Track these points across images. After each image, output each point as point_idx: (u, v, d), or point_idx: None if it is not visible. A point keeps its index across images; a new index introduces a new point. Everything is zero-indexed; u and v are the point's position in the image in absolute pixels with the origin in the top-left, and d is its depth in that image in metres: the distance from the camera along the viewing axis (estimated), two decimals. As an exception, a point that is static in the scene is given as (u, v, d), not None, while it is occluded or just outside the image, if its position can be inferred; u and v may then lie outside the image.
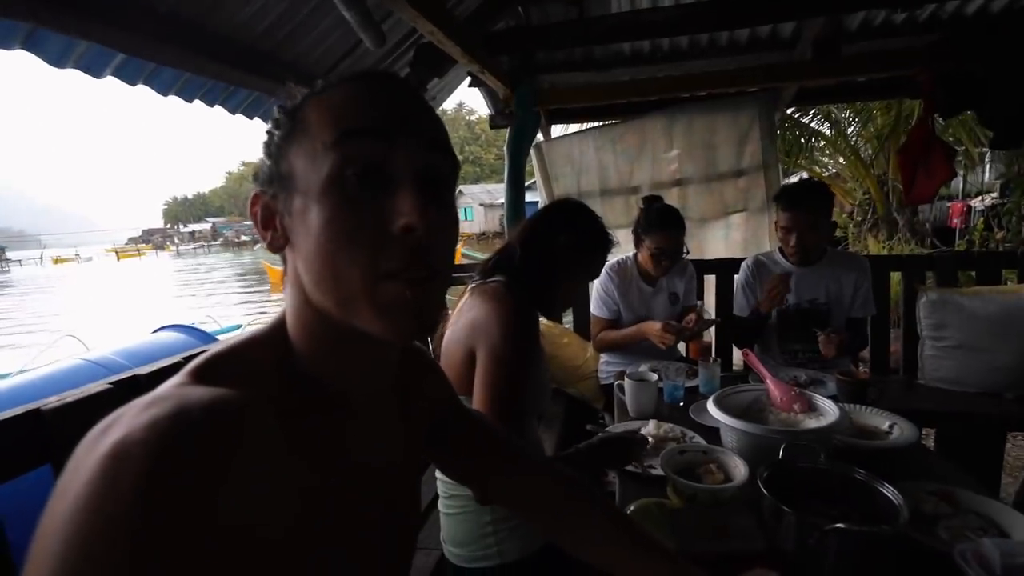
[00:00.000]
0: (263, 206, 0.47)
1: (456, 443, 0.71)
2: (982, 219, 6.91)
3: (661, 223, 1.91)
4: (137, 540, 0.30)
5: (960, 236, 7.43)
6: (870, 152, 6.92)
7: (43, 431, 0.81)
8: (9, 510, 0.78)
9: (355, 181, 0.41)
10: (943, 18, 2.44)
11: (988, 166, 8.85)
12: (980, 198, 8.29)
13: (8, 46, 1.11)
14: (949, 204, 8.99)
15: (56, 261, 47.41)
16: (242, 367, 0.44)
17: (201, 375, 0.41)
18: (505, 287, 1.05)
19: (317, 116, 0.43)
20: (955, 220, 8.38)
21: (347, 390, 0.49)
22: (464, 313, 1.04)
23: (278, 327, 0.49)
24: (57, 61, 1.22)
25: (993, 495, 0.98)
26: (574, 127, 3.81)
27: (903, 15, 2.40)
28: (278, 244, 0.46)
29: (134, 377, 0.96)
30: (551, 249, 1.12)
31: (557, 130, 3.78)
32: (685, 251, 1.99)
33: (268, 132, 0.47)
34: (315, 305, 0.45)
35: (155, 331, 2.56)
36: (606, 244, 1.20)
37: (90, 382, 0.93)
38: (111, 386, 0.91)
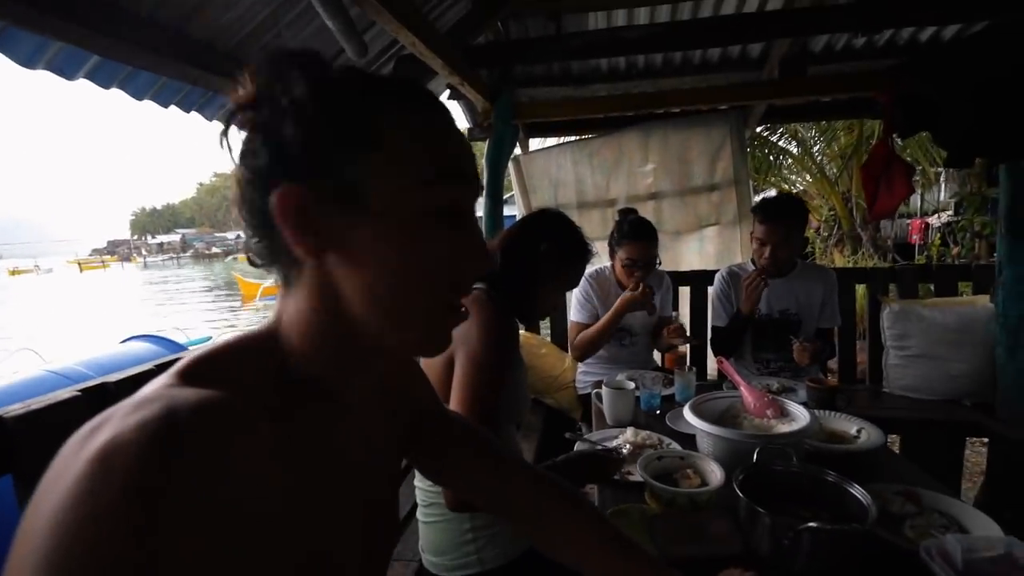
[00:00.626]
0: (306, 204, 0.41)
1: (435, 442, 0.71)
2: (939, 235, 7.26)
3: (634, 234, 1.95)
4: (127, 541, 0.29)
5: (919, 251, 7.77)
6: (835, 170, 7.22)
7: (6, 440, 0.77)
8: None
9: (442, 219, 0.44)
10: (899, 44, 2.60)
11: (943, 185, 9.31)
12: (937, 215, 8.70)
13: (-25, 45, 1.08)
14: (909, 221, 9.41)
15: (12, 273, 45.34)
16: (231, 369, 0.43)
17: (189, 376, 0.40)
18: (485, 295, 1.07)
19: (410, 143, 0.43)
20: (914, 236, 8.77)
21: (339, 391, 0.49)
22: None
23: (269, 331, 0.47)
24: (27, 61, 1.19)
25: (954, 494, 1.03)
26: (552, 141, 3.88)
27: (863, 40, 2.54)
28: (312, 249, 0.43)
29: (102, 385, 0.92)
30: (531, 258, 1.14)
31: (535, 143, 3.83)
32: (658, 262, 2.03)
33: (314, 121, 0.41)
34: (350, 320, 0.45)
35: (123, 341, 2.47)
36: (585, 254, 1.23)
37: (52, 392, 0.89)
38: (79, 393, 0.87)
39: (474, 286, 1.10)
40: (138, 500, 0.30)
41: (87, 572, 0.29)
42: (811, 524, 0.80)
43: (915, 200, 9.87)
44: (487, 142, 2.85)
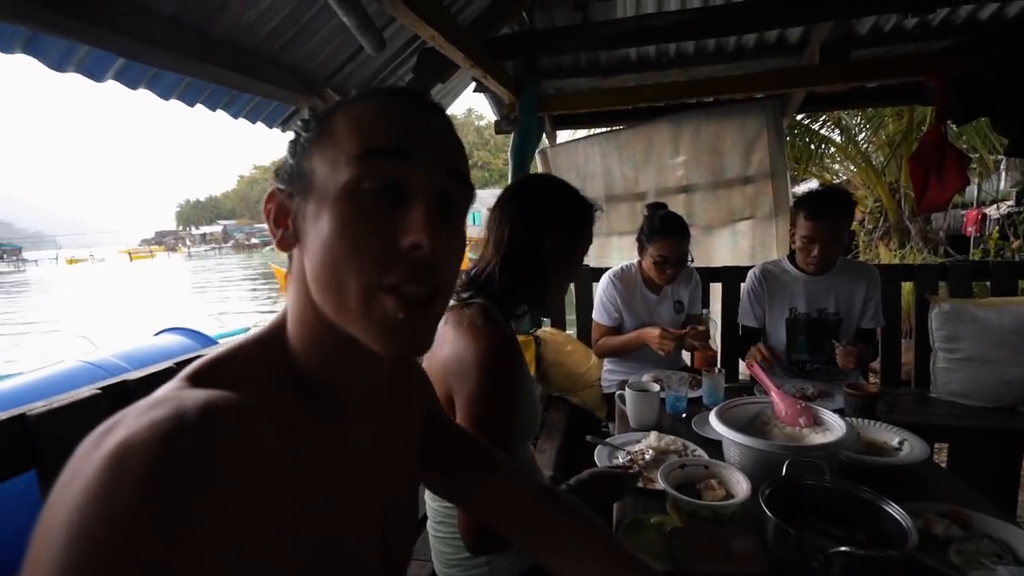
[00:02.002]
0: (278, 203, 0.48)
1: (443, 454, 0.70)
2: (997, 227, 6.80)
3: (665, 230, 1.88)
4: (139, 540, 0.30)
5: (975, 245, 7.31)
6: (881, 159, 6.84)
7: (29, 437, 0.79)
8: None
9: (371, 195, 0.43)
10: (956, 23, 2.40)
11: (1004, 174, 8.72)
12: (995, 206, 8.16)
13: (8, 50, 1.11)
14: (963, 212, 8.86)
15: (69, 262, 48.13)
16: (239, 370, 0.45)
17: (199, 379, 0.42)
18: (483, 314, 0.96)
19: (345, 127, 0.45)
20: (969, 228, 8.24)
21: (345, 393, 0.50)
22: (441, 344, 0.96)
23: (277, 328, 0.49)
24: (58, 65, 1.23)
25: (1009, 515, 0.94)
26: (580, 133, 3.80)
27: (915, 20, 2.35)
28: (288, 242, 0.47)
29: (123, 383, 0.95)
30: (538, 259, 1.03)
31: (563, 136, 3.77)
32: (689, 259, 1.96)
33: (296, 132, 0.49)
34: (318, 307, 0.46)
35: (157, 334, 2.57)
36: (590, 217, 1.09)
37: (88, 384, 0.92)
38: (99, 391, 0.90)
39: (471, 299, 1.01)
40: (150, 500, 0.31)
41: (101, 572, 0.29)
42: (844, 548, 0.74)
43: (971, 189, 9.28)
44: (512, 135, 2.81)
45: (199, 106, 1.61)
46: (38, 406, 0.82)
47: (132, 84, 1.38)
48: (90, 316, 13.16)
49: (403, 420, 0.61)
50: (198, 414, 0.35)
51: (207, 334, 2.51)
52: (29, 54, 1.13)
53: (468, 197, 0.49)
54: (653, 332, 1.85)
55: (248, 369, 0.45)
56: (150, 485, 0.31)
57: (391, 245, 0.43)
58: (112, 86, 1.42)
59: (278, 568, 0.39)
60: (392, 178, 0.44)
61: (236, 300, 15.06)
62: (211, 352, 0.47)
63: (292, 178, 0.47)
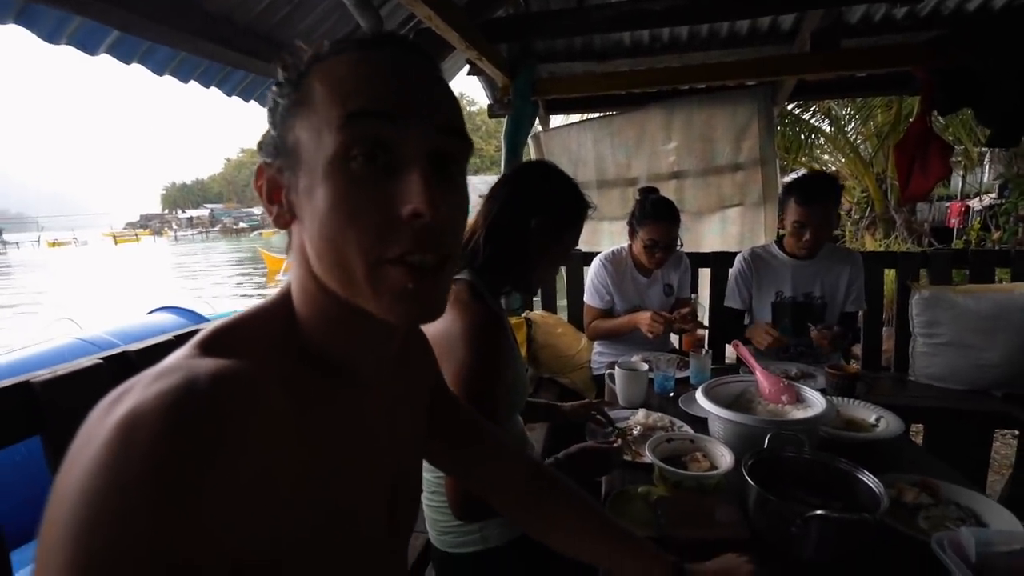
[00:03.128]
0: (268, 179, 0.46)
1: (445, 426, 0.71)
2: (979, 219, 6.93)
3: (655, 215, 1.91)
4: (149, 508, 0.30)
5: (957, 236, 7.44)
6: (870, 150, 6.92)
7: (34, 403, 0.81)
8: (-1, 483, 0.78)
9: (362, 163, 0.40)
10: (944, 14, 2.43)
11: (987, 166, 8.86)
12: (979, 198, 8.30)
13: (0, 20, 1.10)
14: (948, 204, 9.00)
15: (51, 245, 47.13)
16: (248, 339, 0.44)
17: (208, 347, 0.41)
18: (469, 289, 0.98)
19: (323, 89, 0.41)
20: (953, 220, 8.39)
21: (353, 363, 0.49)
22: None
23: (284, 300, 0.48)
24: (50, 36, 1.21)
25: (983, 490, 0.99)
26: (574, 118, 3.80)
27: (904, 9, 2.38)
28: (284, 220, 0.45)
29: (124, 353, 0.96)
30: (522, 238, 1.03)
31: (556, 121, 3.76)
32: (679, 244, 1.99)
33: (272, 99, 0.45)
34: (322, 281, 0.45)
35: (150, 312, 2.56)
36: (582, 212, 1.09)
37: (82, 359, 0.93)
38: (101, 361, 0.91)
39: (457, 275, 1.01)
40: (159, 467, 0.31)
41: (115, 539, 0.30)
42: (819, 511, 0.79)
43: (956, 182, 9.42)
44: (506, 119, 2.80)
45: (192, 83, 1.60)
46: (42, 373, 0.83)
47: (125, 58, 1.36)
48: (74, 299, 12.96)
49: (411, 390, 0.61)
50: (208, 383, 0.35)
51: (200, 313, 2.51)
52: (22, 24, 1.12)
53: (466, 151, 0.46)
54: (644, 315, 1.89)
55: (257, 339, 0.44)
56: (160, 453, 0.31)
57: (391, 215, 0.41)
58: (103, 60, 1.40)
59: (286, 535, 0.39)
60: (381, 141, 0.41)
61: (224, 285, 14.90)
62: (219, 322, 0.46)
63: (278, 151, 0.44)
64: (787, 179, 2.18)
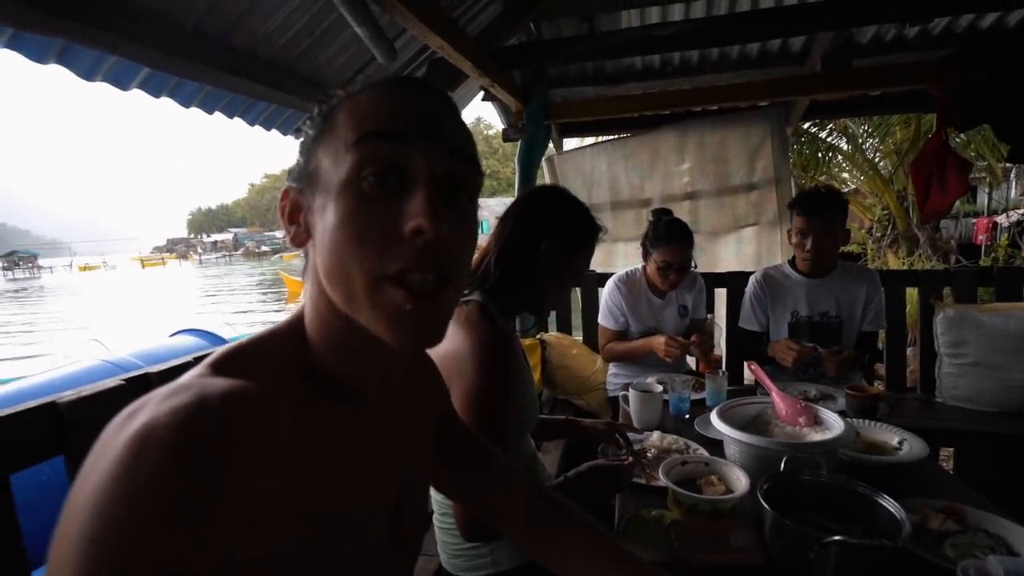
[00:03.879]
0: (291, 201, 0.49)
1: (452, 453, 0.71)
2: (1007, 236, 6.75)
3: (669, 237, 1.91)
4: (159, 520, 0.31)
5: (985, 253, 7.25)
6: (889, 167, 6.82)
7: (59, 423, 0.84)
8: (24, 501, 0.81)
9: (372, 182, 0.42)
10: (957, 32, 2.42)
11: (1014, 182, 8.66)
12: (1006, 214, 8.09)
13: (43, 60, 1.17)
14: (974, 220, 8.80)
15: (82, 269, 48.76)
16: (260, 360, 0.45)
17: (220, 367, 0.43)
18: (480, 310, 0.98)
19: (344, 117, 0.45)
20: (980, 236, 8.19)
21: (360, 383, 0.50)
22: None
23: (297, 322, 0.50)
24: (87, 75, 1.29)
25: (1013, 518, 0.95)
26: (588, 140, 3.85)
27: (915, 29, 2.38)
28: (301, 239, 0.48)
29: (146, 375, 0.99)
30: (533, 260, 1.04)
31: (570, 143, 3.81)
32: (693, 265, 1.99)
33: (303, 131, 0.50)
34: (331, 300, 0.46)
35: (172, 335, 2.63)
36: (592, 238, 1.10)
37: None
38: (124, 383, 0.94)
39: (468, 296, 1.02)
40: (170, 481, 0.32)
41: (123, 550, 0.30)
42: (838, 537, 0.77)
43: (982, 198, 9.21)
44: (519, 143, 2.85)
45: (217, 113, 1.67)
46: (68, 394, 0.87)
47: (155, 92, 1.44)
48: (102, 320, 13.35)
49: (418, 415, 0.62)
50: (219, 401, 0.36)
51: (221, 335, 2.56)
52: (62, 64, 1.20)
53: (476, 177, 0.47)
54: (659, 340, 1.88)
55: (268, 359, 0.46)
56: (171, 467, 0.32)
57: (394, 232, 0.42)
58: (134, 94, 1.48)
59: (291, 551, 0.40)
60: (391, 161, 0.43)
61: (246, 306, 15.20)
62: (233, 342, 0.48)
63: (302, 175, 0.47)
64: (795, 197, 2.18)
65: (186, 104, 1.56)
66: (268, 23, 1.57)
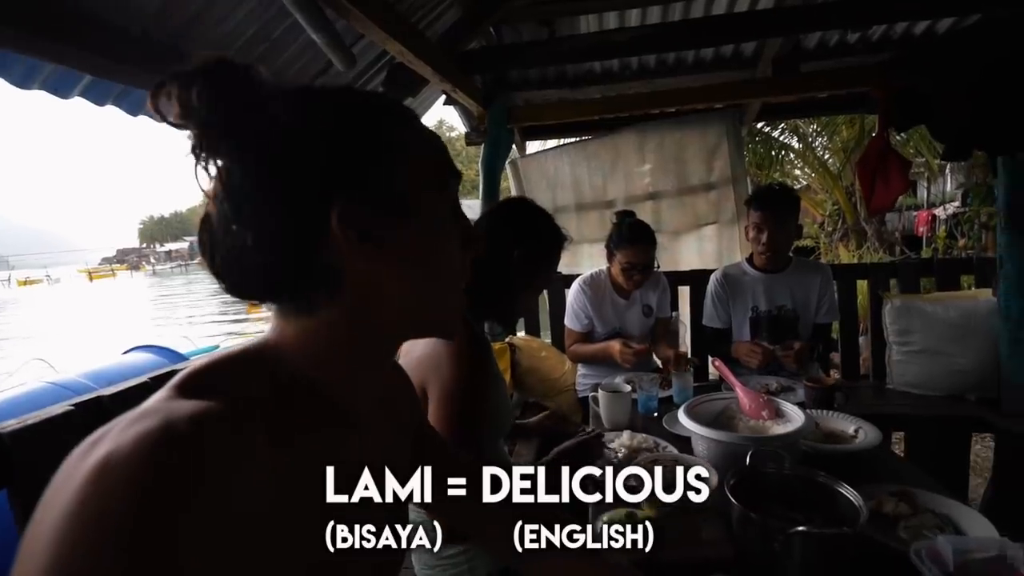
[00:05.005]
0: (362, 220, 0.44)
1: (426, 462, 0.71)
2: (944, 227, 7.19)
3: (632, 238, 1.95)
4: (126, 554, 0.30)
5: (927, 244, 7.70)
6: (837, 165, 7.17)
7: (2, 455, 0.78)
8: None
9: (454, 216, 0.52)
10: (894, 38, 2.58)
11: (949, 176, 9.23)
12: (943, 207, 8.62)
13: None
14: (915, 213, 9.33)
15: (21, 283, 45.80)
16: (229, 380, 0.43)
17: (187, 389, 0.40)
18: None
19: (426, 151, 0.50)
20: (921, 229, 8.69)
21: (341, 403, 0.49)
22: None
23: (270, 340, 0.47)
24: (22, 82, 1.21)
25: (962, 496, 1.01)
26: (550, 143, 3.88)
27: (856, 35, 2.52)
28: (370, 260, 0.46)
29: (98, 399, 0.94)
30: (504, 267, 1.08)
31: (533, 146, 3.84)
32: (656, 265, 2.03)
33: (384, 147, 0.46)
34: (379, 322, 0.48)
35: (125, 352, 2.50)
36: (558, 246, 1.18)
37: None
38: (73, 408, 0.89)
39: None
40: (136, 513, 0.30)
41: None
42: (801, 528, 0.80)
43: (921, 192, 9.78)
44: (483, 146, 2.85)
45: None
46: (11, 423, 0.81)
47: (99, 101, 1.37)
48: (46, 339, 12.57)
49: (396, 429, 0.61)
50: (186, 426, 0.34)
51: (178, 351, 2.46)
52: (-9, 72, 1.12)
53: None
54: (616, 346, 1.93)
55: (238, 381, 0.43)
56: (135, 500, 0.31)
57: (464, 255, 0.53)
58: (75, 102, 1.41)
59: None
60: (456, 198, 0.53)
61: (204, 318, 14.62)
62: (197, 362, 0.45)
63: (374, 192, 0.45)
64: (751, 195, 2.27)
65: (133, 112, 1.49)
66: (220, 28, 1.52)
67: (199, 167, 0.42)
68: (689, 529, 0.95)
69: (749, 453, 1.04)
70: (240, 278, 0.45)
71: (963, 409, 1.91)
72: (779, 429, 1.20)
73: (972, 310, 2.00)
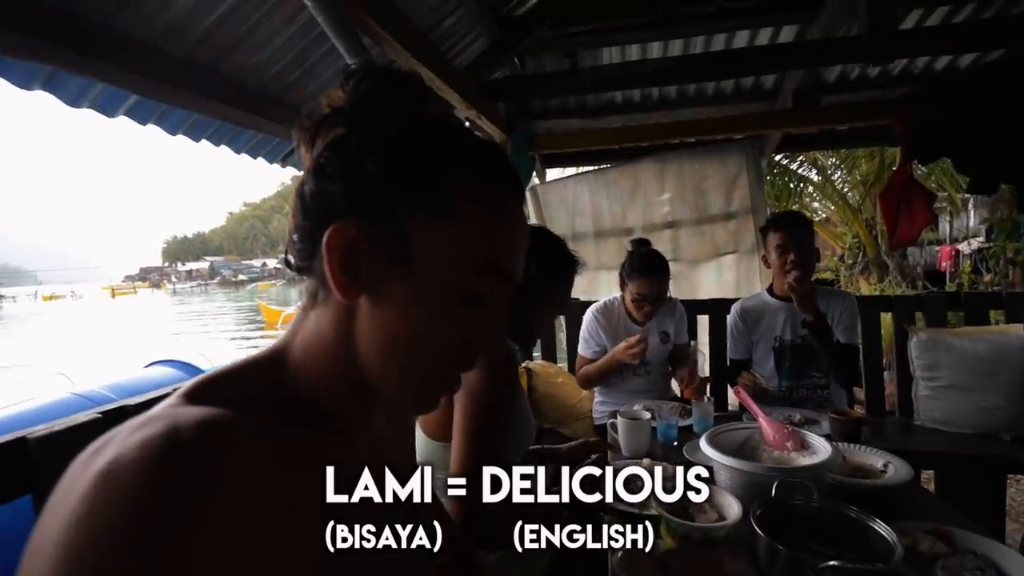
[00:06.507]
0: (352, 244, 0.43)
1: None
2: (969, 262, 7.05)
3: (644, 270, 1.93)
4: (133, 560, 0.30)
5: (950, 279, 7.54)
6: (857, 198, 7.12)
7: (28, 460, 0.79)
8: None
9: (473, 303, 0.45)
10: (914, 72, 2.60)
11: (972, 211, 9.09)
12: (967, 242, 8.47)
13: (29, 87, 1.16)
14: (938, 248, 9.17)
15: (46, 299, 47.02)
16: (237, 389, 0.43)
17: (194, 396, 0.41)
18: None
19: (475, 225, 0.44)
20: (944, 263, 8.52)
21: (343, 417, 0.49)
22: None
23: (277, 352, 0.48)
24: (74, 101, 1.28)
25: (998, 538, 0.97)
26: (570, 171, 3.93)
27: (877, 69, 2.54)
28: (350, 292, 0.44)
29: (123, 408, 0.95)
30: (522, 284, 1.11)
31: (553, 174, 3.89)
32: (668, 296, 2.02)
33: (396, 165, 0.43)
34: (357, 355, 0.46)
35: (147, 366, 2.54)
36: (572, 268, 1.21)
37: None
38: (99, 415, 0.90)
39: None
40: (140, 518, 0.30)
41: None
42: (833, 563, 0.76)
43: (944, 226, 9.64)
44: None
45: (204, 141, 1.67)
46: (38, 429, 0.82)
47: (142, 120, 1.44)
48: (69, 353, 12.82)
49: (398, 443, 0.61)
50: (192, 431, 0.35)
51: (198, 366, 2.49)
52: (48, 91, 1.19)
53: None
54: (619, 349, 1.90)
55: (245, 389, 0.43)
56: (140, 505, 0.31)
57: (468, 347, 0.47)
58: (117, 121, 1.47)
59: None
60: (495, 294, 0.47)
61: (223, 336, 14.80)
62: (206, 372, 0.46)
63: (376, 222, 0.43)
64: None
65: (173, 132, 1.56)
66: (258, 54, 1.59)
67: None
68: (712, 562, 0.92)
69: (775, 484, 1.01)
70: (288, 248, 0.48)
71: (997, 448, 1.84)
72: (805, 460, 1.16)
73: (1002, 345, 1.94)
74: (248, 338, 13.98)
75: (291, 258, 0.48)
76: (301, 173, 0.47)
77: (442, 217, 0.43)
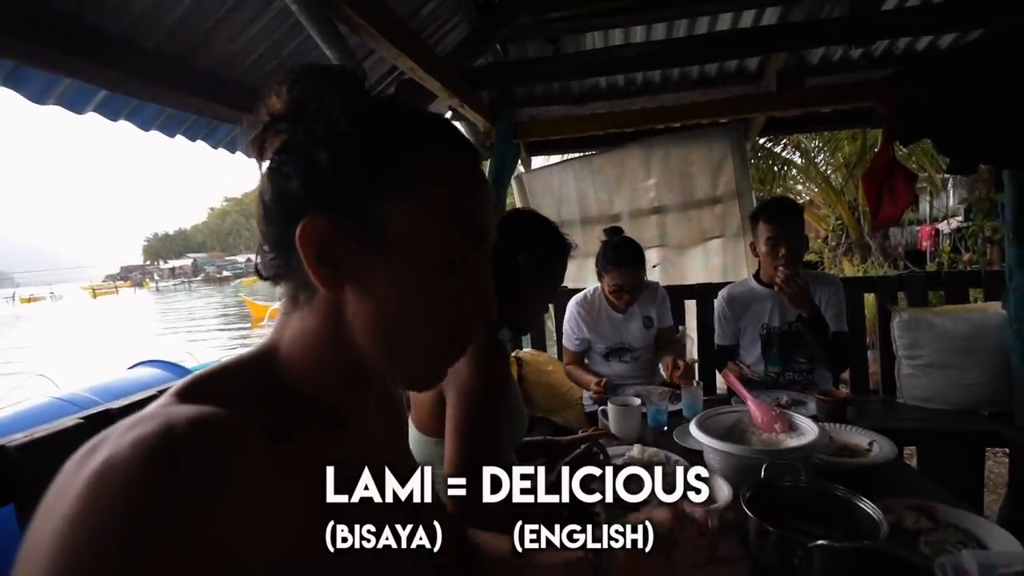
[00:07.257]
0: (322, 237, 0.43)
1: None
2: (949, 241, 7.18)
3: (618, 261, 1.93)
4: (126, 560, 0.30)
5: (931, 258, 7.69)
6: (840, 180, 7.20)
7: (8, 469, 0.77)
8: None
9: (459, 272, 0.47)
10: (896, 53, 2.61)
11: (951, 191, 9.25)
12: (947, 221, 8.62)
13: (-13, 83, 1.12)
14: (918, 228, 9.33)
15: (25, 300, 45.95)
16: (228, 387, 0.43)
17: (186, 395, 0.41)
18: None
19: (440, 194, 0.45)
20: (924, 243, 8.68)
21: (336, 410, 0.49)
22: None
23: (267, 348, 0.48)
24: (38, 98, 1.23)
25: (976, 512, 0.99)
26: (555, 158, 3.91)
27: (859, 51, 2.55)
28: (331, 284, 0.44)
29: (106, 412, 0.93)
30: (511, 270, 1.10)
31: (537, 161, 3.87)
32: (644, 285, 2.02)
33: (350, 153, 0.43)
34: (352, 346, 0.46)
35: (131, 367, 2.49)
36: (564, 251, 1.21)
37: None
38: (82, 421, 0.88)
39: None
40: (135, 517, 0.30)
41: None
42: (821, 541, 0.78)
43: (924, 206, 9.80)
44: (488, 162, 2.88)
45: (179, 136, 1.62)
46: (18, 437, 0.80)
47: (113, 116, 1.39)
48: (50, 356, 12.58)
49: (390, 435, 0.62)
50: (186, 429, 0.35)
51: (184, 366, 2.45)
52: (9, 87, 1.14)
53: None
54: (591, 383, 1.95)
55: (237, 386, 0.44)
56: (133, 504, 0.30)
57: (460, 318, 0.48)
58: (87, 117, 1.43)
59: None
60: (474, 254, 0.48)
61: (208, 334, 14.62)
62: (199, 371, 0.46)
63: (344, 213, 0.43)
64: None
65: (145, 128, 1.51)
66: (232, 45, 1.54)
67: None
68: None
69: (763, 466, 1.02)
70: (258, 258, 0.48)
71: (976, 423, 1.89)
72: (793, 442, 1.18)
73: (982, 323, 1.99)
74: (235, 334, 13.82)
75: (262, 270, 0.48)
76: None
77: (406, 193, 0.44)
